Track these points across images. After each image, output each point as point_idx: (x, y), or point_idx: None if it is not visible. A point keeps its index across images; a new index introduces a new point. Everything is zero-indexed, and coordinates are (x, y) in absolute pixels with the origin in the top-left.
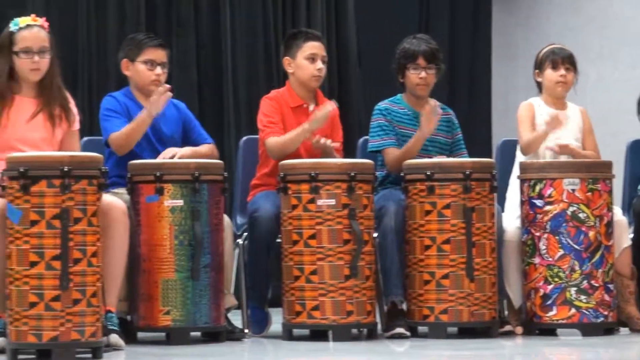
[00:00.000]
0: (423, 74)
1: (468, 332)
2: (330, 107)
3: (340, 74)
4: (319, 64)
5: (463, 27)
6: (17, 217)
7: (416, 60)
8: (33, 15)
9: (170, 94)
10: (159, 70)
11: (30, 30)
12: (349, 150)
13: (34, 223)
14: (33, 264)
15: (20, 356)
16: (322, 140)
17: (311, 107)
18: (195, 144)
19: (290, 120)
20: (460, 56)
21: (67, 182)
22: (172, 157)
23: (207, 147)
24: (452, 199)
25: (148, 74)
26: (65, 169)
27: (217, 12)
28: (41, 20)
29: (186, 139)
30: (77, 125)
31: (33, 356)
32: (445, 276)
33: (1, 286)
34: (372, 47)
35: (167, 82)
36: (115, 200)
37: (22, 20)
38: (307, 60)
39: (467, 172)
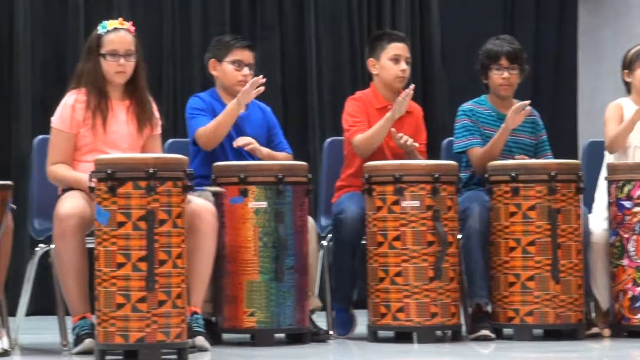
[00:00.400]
0: (506, 74)
1: (554, 334)
2: (409, 90)
3: (425, 75)
4: (403, 65)
5: (548, 28)
6: (105, 219)
7: (499, 61)
8: (120, 19)
9: (262, 87)
10: (246, 71)
11: (117, 33)
12: (433, 151)
13: (121, 224)
14: (120, 265)
15: (108, 357)
16: (405, 139)
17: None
18: (275, 150)
19: (376, 121)
20: (545, 57)
21: (153, 183)
22: (246, 145)
23: (284, 156)
24: (537, 201)
25: (235, 75)
26: (151, 171)
27: (301, 14)
28: (128, 24)
29: (267, 144)
30: (159, 130)
31: (120, 357)
32: (531, 278)
33: (85, 286)
34: (457, 48)
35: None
36: (204, 203)
37: (110, 24)
38: (391, 62)
39: (553, 174)
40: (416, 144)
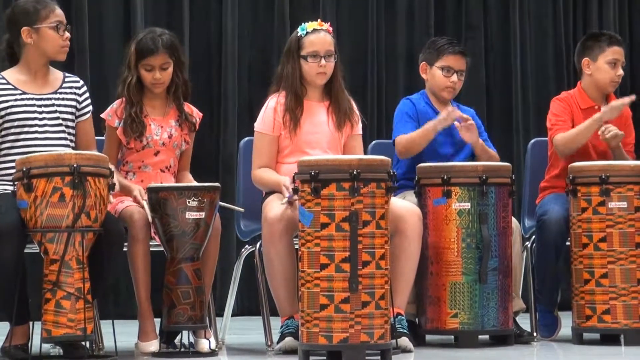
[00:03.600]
0: None
1: None
2: (628, 99)
3: (633, 75)
4: (620, 70)
5: None
6: (309, 220)
7: None
8: (319, 20)
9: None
10: (454, 77)
11: (317, 34)
12: None
13: (324, 226)
14: (323, 267)
15: (312, 357)
16: (609, 130)
17: (602, 109)
18: None
19: (580, 121)
20: None
21: (356, 185)
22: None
23: (493, 154)
24: None
25: (443, 80)
26: (355, 172)
27: (506, 14)
28: (326, 25)
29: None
30: (359, 129)
31: (323, 357)
32: None
33: (293, 288)
34: None
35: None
36: (409, 205)
37: (309, 25)
38: (608, 65)
39: None
40: (622, 132)
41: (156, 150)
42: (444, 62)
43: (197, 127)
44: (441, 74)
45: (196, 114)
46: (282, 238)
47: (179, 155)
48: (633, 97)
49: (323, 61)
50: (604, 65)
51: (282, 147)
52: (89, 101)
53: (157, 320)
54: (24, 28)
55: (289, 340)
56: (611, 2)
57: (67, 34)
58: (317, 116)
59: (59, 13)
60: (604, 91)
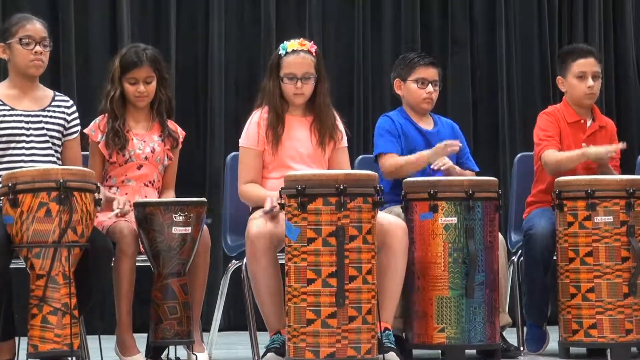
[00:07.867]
0: None
1: None
2: (620, 146)
3: (618, 89)
4: (590, 82)
5: None
6: (295, 235)
7: None
8: (301, 40)
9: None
10: (430, 88)
11: (296, 55)
12: (627, 166)
13: (310, 241)
14: (310, 281)
15: None
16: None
17: (589, 123)
18: (462, 167)
19: (567, 135)
20: None
21: (343, 200)
22: (442, 166)
23: (471, 175)
24: None
25: (419, 93)
26: (341, 187)
27: (492, 30)
28: (309, 44)
29: (456, 161)
30: (344, 143)
31: None
32: None
33: (280, 303)
34: None
35: (443, 99)
36: (395, 219)
37: (290, 45)
38: (577, 79)
39: None
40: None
41: (139, 164)
42: (417, 75)
43: (180, 144)
44: (416, 87)
45: (180, 132)
46: (266, 254)
47: (162, 171)
48: (624, 144)
49: (299, 83)
50: (572, 81)
51: (266, 162)
52: (77, 121)
53: (142, 335)
54: None
55: (269, 356)
56: (597, 17)
57: (39, 49)
58: (299, 132)
59: (29, 28)
60: (582, 105)
